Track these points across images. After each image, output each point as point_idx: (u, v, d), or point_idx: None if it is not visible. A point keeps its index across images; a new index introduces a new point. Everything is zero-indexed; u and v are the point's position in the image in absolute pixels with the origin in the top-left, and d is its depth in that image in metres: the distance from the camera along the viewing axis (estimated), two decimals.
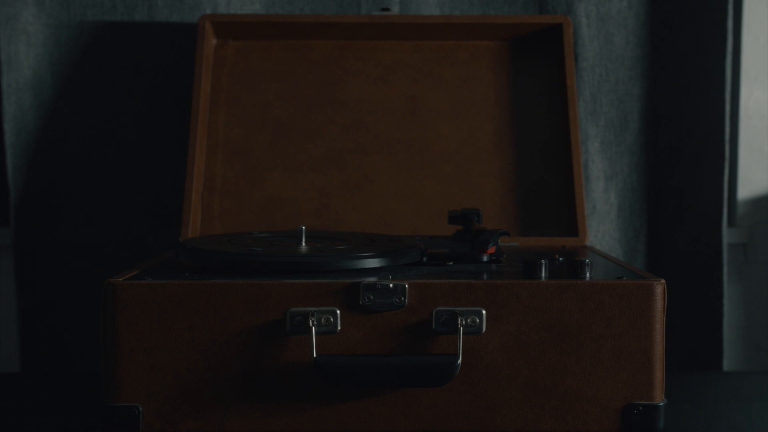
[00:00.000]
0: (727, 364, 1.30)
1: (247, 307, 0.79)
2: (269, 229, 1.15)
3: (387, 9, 1.21)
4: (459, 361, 0.77)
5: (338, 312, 0.79)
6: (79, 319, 1.25)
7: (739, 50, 1.29)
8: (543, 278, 0.81)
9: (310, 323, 0.79)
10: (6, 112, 1.24)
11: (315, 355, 0.78)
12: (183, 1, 1.24)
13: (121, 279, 0.80)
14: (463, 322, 0.79)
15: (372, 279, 0.80)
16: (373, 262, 0.86)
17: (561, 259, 0.94)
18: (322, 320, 0.79)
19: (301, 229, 0.94)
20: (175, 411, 0.80)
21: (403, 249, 0.90)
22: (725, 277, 1.26)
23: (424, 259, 0.91)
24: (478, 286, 0.79)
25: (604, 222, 1.30)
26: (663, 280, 0.80)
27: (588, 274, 0.82)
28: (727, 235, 1.27)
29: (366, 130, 1.21)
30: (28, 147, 1.24)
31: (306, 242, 0.93)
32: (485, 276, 0.83)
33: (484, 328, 0.79)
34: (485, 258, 0.91)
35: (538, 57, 1.23)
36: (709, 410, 0.98)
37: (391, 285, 0.79)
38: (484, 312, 0.79)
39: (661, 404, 0.80)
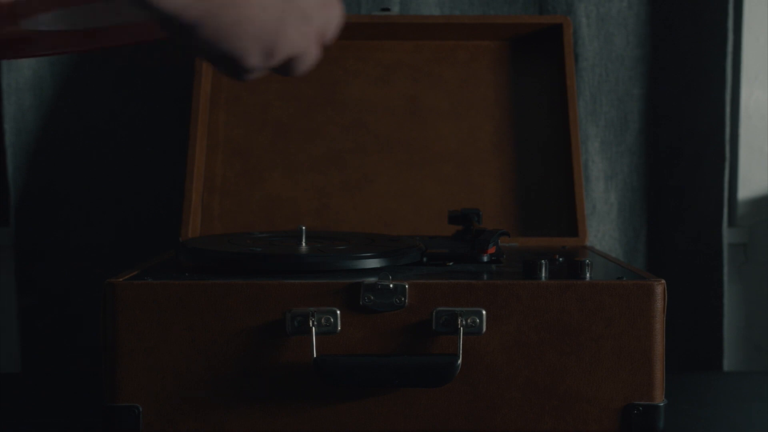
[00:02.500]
0: (727, 364, 1.30)
1: (247, 307, 0.79)
2: (269, 229, 1.15)
3: (387, 9, 1.21)
4: (459, 361, 0.77)
5: (338, 312, 0.79)
6: (79, 319, 1.25)
7: (740, 50, 1.29)
8: (543, 278, 0.81)
9: (310, 323, 0.79)
10: (6, 112, 1.24)
11: (315, 355, 0.78)
12: None
13: (121, 279, 0.80)
14: (463, 323, 0.79)
15: (372, 279, 0.80)
16: (373, 262, 0.86)
17: (561, 259, 0.94)
18: (322, 320, 0.79)
19: (301, 229, 0.94)
20: (175, 411, 0.80)
21: (403, 249, 0.90)
22: (725, 277, 1.26)
23: (424, 259, 0.91)
24: (478, 287, 0.79)
25: (604, 222, 1.30)
26: (663, 280, 0.80)
27: (588, 275, 0.82)
28: (727, 235, 1.27)
29: (366, 130, 1.21)
30: (28, 147, 1.24)
31: (306, 242, 0.93)
32: (485, 276, 0.83)
33: (484, 329, 0.79)
34: (485, 258, 0.91)
35: (538, 57, 1.23)
36: (709, 410, 0.98)
37: (391, 285, 0.79)
38: (484, 312, 0.79)
39: (661, 404, 0.80)
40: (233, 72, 0.61)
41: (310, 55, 0.62)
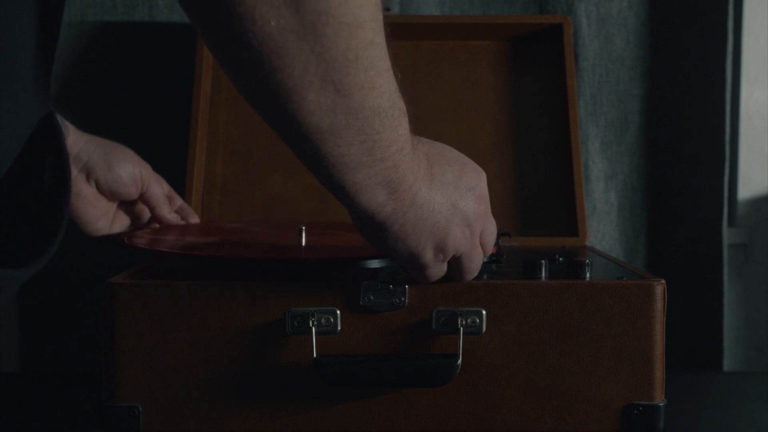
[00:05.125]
0: (727, 364, 1.30)
1: (247, 307, 0.79)
2: None
3: (387, 9, 1.21)
4: (459, 361, 0.77)
5: (338, 312, 0.79)
6: (79, 319, 1.25)
7: (740, 50, 1.29)
8: (543, 278, 0.81)
9: (310, 323, 0.79)
10: None
11: (315, 356, 0.78)
12: None
13: (121, 279, 0.80)
14: (463, 323, 0.79)
15: (372, 280, 0.80)
16: (374, 263, 0.86)
17: (561, 259, 0.94)
18: (322, 320, 0.79)
19: (301, 229, 0.94)
20: (175, 411, 0.80)
21: None
22: (725, 277, 1.26)
23: None
24: (478, 287, 0.79)
25: (604, 222, 1.30)
26: (663, 280, 0.80)
27: (588, 275, 0.82)
28: (727, 235, 1.27)
29: None
30: None
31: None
32: (485, 276, 0.83)
33: (484, 329, 0.79)
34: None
35: (538, 57, 1.23)
36: (709, 410, 0.98)
37: (391, 285, 0.79)
38: (484, 312, 0.79)
39: (662, 404, 0.80)
40: (416, 274, 0.74)
41: (473, 255, 0.75)
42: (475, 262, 0.76)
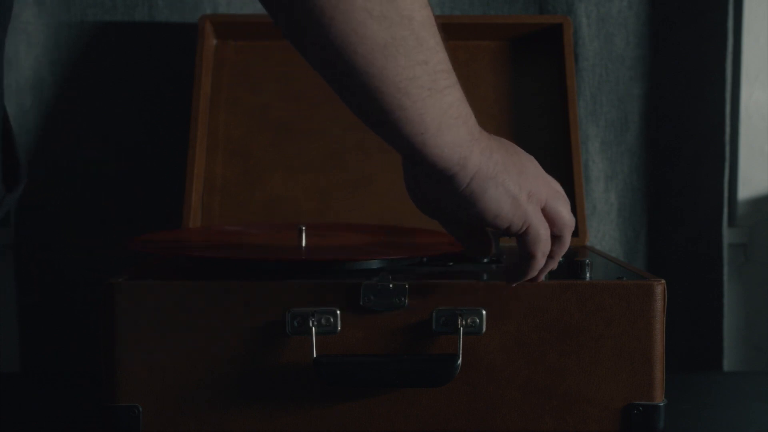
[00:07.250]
0: (727, 364, 1.30)
1: (247, 307, 0.79)
2: None
3: None
4: (459, 361, 0.77)
5: (338, 312, 0.79)
6: (79, 319, 1.25)
7: (740, 50, 1.29)
8: (543, 278, 0.81)
9: (310, 323, 0.79)
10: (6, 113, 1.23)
11: (315, 356, 0.78)
12: (183, 1, 1.24)
13: (121, 279, 0.80)
14: (463, 323, 0.79)
15: (372, 279, 0.80)
16: (374, 263, 0.86)
17: (561, 259, 0.94)
18: (323, 321, 0.79)
19: (301, 229, 0.94)
20: (175, 411, 0.80)
21: None
22: (725, 277, 1.26)
23: (425, 259, 0.91)
24: (478, 287, 0.79)
25: (604, 222, 1.30)
26: (663, 281, 0.80)
27: (588, 275, 0.82)
28: (727, 235, 1.27)
29: (366, 130, 1.20)
30: (29, 147, 1.24)
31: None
32: (485, 276, 0.83)
33: (484, 329, 0.79)
34: (485, 258, 0.91)
35: (538, 57, 1.23)
36: (709, 410, 0.98)
37: (391, 285, 0.79)
38: (484, 312, 0.79)
39: (662, 404, 0.80)
40: (523, 227, 0.70)
41: (560, 199, 0.72)
42: (566, 207, 0.73)
